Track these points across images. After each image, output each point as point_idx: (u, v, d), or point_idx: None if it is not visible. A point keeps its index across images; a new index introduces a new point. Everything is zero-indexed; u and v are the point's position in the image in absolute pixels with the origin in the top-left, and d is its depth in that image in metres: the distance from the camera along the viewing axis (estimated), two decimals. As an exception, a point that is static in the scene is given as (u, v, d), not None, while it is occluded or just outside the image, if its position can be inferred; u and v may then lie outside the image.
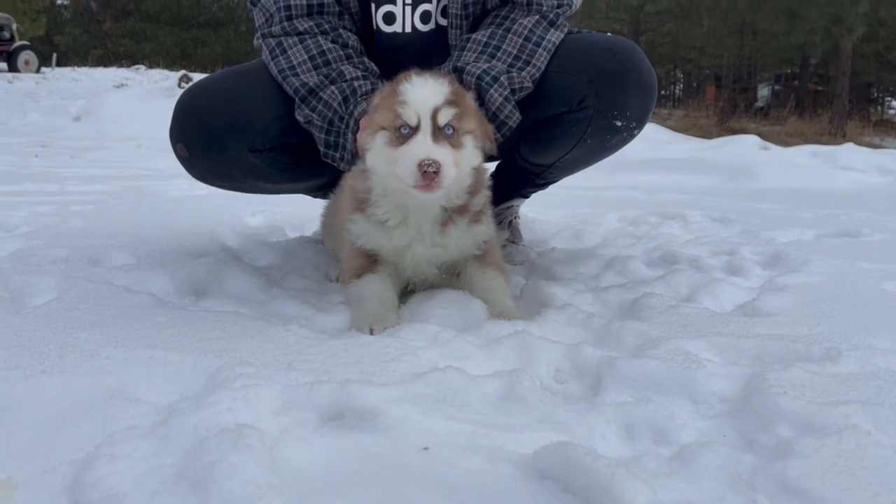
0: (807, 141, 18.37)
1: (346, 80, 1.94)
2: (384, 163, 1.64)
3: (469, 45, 1.99)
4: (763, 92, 32.38)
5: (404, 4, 2.10)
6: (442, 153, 1.55)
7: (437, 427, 1.22)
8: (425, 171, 1.52)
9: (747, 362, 1.53)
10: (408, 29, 2.11)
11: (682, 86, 47.29)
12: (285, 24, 2.04)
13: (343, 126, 1.95)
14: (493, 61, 1.94)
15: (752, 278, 2.33)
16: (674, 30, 26.14)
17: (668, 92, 46.88)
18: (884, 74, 27.35)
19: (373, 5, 2.12)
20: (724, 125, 20.04)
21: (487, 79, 1.90)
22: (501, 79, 1.91)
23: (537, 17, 2.03)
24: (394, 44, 2.11)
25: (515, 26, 2.00)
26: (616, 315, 1.87)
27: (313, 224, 3.06)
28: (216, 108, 2.05)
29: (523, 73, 1.95)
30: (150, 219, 3.19)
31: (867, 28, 17.55)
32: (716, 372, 1.42)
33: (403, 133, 1.60)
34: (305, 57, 1.98)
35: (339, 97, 1.94)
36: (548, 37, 2.01)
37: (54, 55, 21.20)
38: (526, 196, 2.65)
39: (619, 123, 2.05)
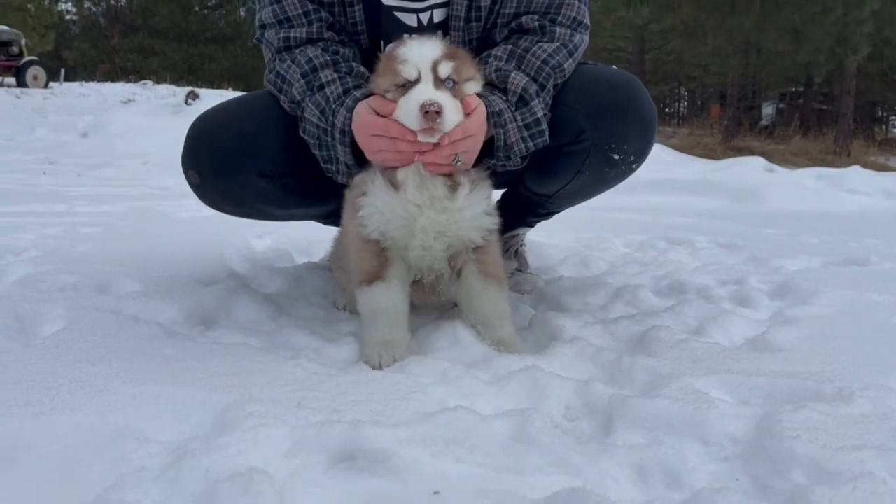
0: (812, 159, 18.43)
1: (322, 91, 1.92)
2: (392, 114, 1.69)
3: (490, 59, 1.96)
4: (767, 110, 32.45)
5: None
6: (443, 97, 1.62)
7: (448, 470, 1.21)
8: (427, 111, 1.57)
9: (759, 401, 1.52)
10: None
11: (686, 103, 47.47)
12: (285, 52, 2.05)
13: (329, 139, 1.92)
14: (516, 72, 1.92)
15: (761, 309, 2.32)
16: (678, 48, 26.26)
17: (672, 109, 46.99)
18: (888, 94, 27.41)
19: (382, 42, 2.13)
20: (728, 143, 20.07)
21: (507, 115, 1.87)
22: (518, 119, 1.89)
23: (558, 44, 2.00)
24: None
25: (535, 48, 1.97)
26: (626, 349, 1.87)
27: (319, 247, 3.07)
28: (226, 134, 2.07)
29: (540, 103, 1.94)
30: (158, 242, 3.20)
31: (872, 48, 17.61)
32: (727, 412, 1.41)
33: (407, 88, 1.67)
34: (296, 69, 1.99)
35: (317, 111, 1.92)
36: (565, 66, 1.98)
37: (62, 70, 21.34)
38: (530, 225, 2.65)
39: (616, 157, 2.05)
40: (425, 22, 2.09)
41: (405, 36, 1.76)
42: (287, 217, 2.41)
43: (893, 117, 33.68)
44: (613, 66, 2.23)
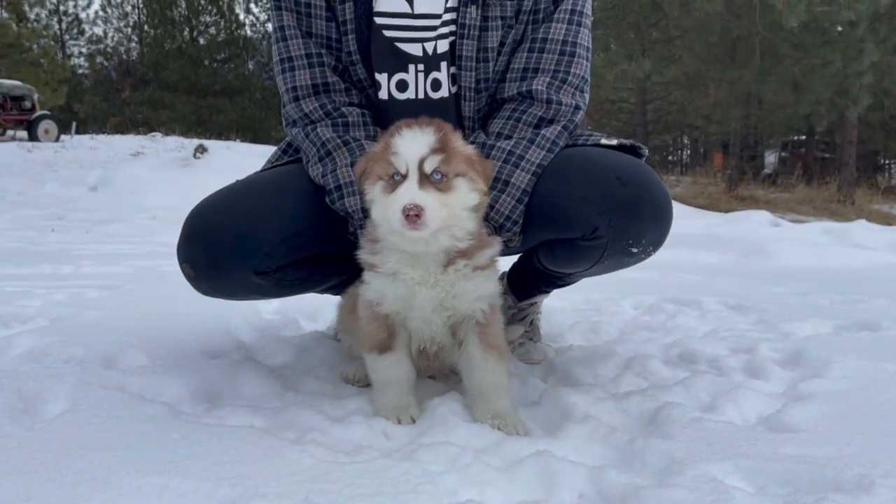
0: (816, 208, 18.50)
1: (341, 195, 2.05)
2: (380, 209, 1.76)
3: (494, 153, 2.04)
4: (770, 159, 32.69)
5: (416, 72, 2.14)
6: (425, 197, 1.66)
7: (460, 572, 1.17)
8: (408, 215, 1.63)
9: (777, 490, 1.49)
10: (420, 95, 2.15)
11: (689, 151, 47.86)
12: (293, 104, 2.14)
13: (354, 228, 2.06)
14: (518, 171, 2.02)
15: (774, 381, 2.28)
16: (680, 99, 26.60)
17: (675, 158, 47.39)
18: (890, 143, 27.61)
19: (385, 75, 2.15)
20: (732, 192, 20.18)
21: (499, 186, 2.00)
22: (519, 185, 2.02)
23: (559, 127, 2.07)
24: (407, 110, 2.13)
25: (539, 139, 2.05)
26: (638, 429, 1.84)
27: (326, 312, 3.06)
28: (222, 229, 2.04)
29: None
30: (165, 308, 3.19)
31: (872, 98, 17.79)
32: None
33: (396, 180, 1.72)
34: (314, 150, 2.11)
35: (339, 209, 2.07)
36: (562, 145, 2.09)
37: (73, 123, 21.66)
38: (547, 292, 2.65)
39: (635, 250, 2.04)
40: (430, 52, 2.12)
41: (403, 123, 1.78)
42: (278, 298, 2.43)
43: (896, 165, 33.89)
44: (616, 141, 2.19)
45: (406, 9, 2.10)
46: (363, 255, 1.88)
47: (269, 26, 2.27)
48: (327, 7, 2.11)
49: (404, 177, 1.70)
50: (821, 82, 16.98)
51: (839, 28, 16.78)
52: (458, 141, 1.80)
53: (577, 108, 2.11)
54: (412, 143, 1.71)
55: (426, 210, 1.64)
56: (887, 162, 35.29)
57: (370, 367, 1.98)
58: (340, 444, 1.71)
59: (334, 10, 2.11)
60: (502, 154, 2.03)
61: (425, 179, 1.69)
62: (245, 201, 2.10)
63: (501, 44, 2.10)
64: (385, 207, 1.72)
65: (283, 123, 2.23)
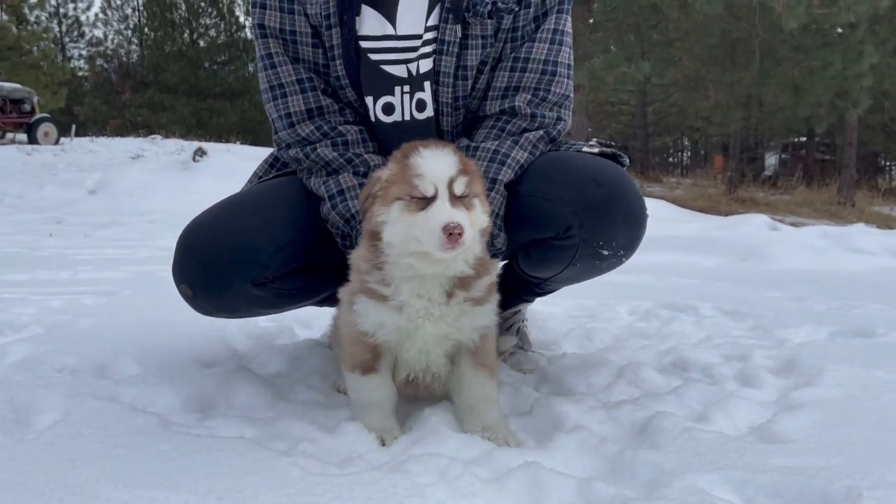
0: (816, 210, 18.51)
1: (344, 199, 2.05)
2: (402, 229, 1.68)
3: (479, 153, 2.07)
4: (770, 160, 32.71)
5: (402, 93, 2.15)
6: (462, 216, 1.64)
7: (445, 588, 1.18)
8: (451, 233, 1.59)
9: (765, 502, 1.49)
10: (406, 117, 2.17)
11: (689, 153, 47.93)
12: (288, 130, 2.14)
13: (353, 241, 2.05)
14: (504, 168, 2.05)
15: (766, 389, 2.28)
16: (680, 101, 26.64)
17: (675, 160, 47.49)
18: (891, 144, 27.62)
19: (370, 98, 2.17)
20: (732, 195, 20.18)
21: (487, 184, 1.98)
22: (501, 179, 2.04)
23: (542, 132, 2.14)
24: (393, 133, 2.16)
25: (522, 140, 2.10)
26: (629, 439, 1.84)
27: (321, 320, 3.06)
28: (218, 247, 2.03)
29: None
30: (161, 315, 3.19)
31: (872, 100, 17.79)
32: (733, 516, 1.38)
33: (419, 201, 1.67)
34: (316, 167, 2.12)
35: (341, 220, 2.06)
36: (542, 149, 2.14)
37: (73, 126, 21.68)
38: (529, 301, 2.65)
39: (605, 252, 2.05)
40: (414, 72, 2.14)
41: (418, 145, 1.76)
42: (281, 311, 2.42)
43: (896, 167, 33.92)
44: (598, 149, 2.20)
45: (390, 31, 2.12)
46: (370, 284, 1.80)
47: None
48: (313, 34, 2.12)
49: (431, 198, 1.65)
50: (821, 84, 16.98)
51: (839, 30, 16.78)
52: (473, 162, 1.79)
53: (560, 119, 2.17)
54: (438, 164, 1.68)
55: (466, 229, 1.62)
56: (887, 164, 35.34)
57: (351, 388, 1.92)
58: (330, 455, 1.71)
59: (320, 37, 2.12)
60: (488, 153, 2.07)
61: (455, 199, 1.67)
62: (236, 216, 2.10)
63: (482, 62, 2.13)
64: (412, 227, 1.66)
65: (276, 149, 2.23)
